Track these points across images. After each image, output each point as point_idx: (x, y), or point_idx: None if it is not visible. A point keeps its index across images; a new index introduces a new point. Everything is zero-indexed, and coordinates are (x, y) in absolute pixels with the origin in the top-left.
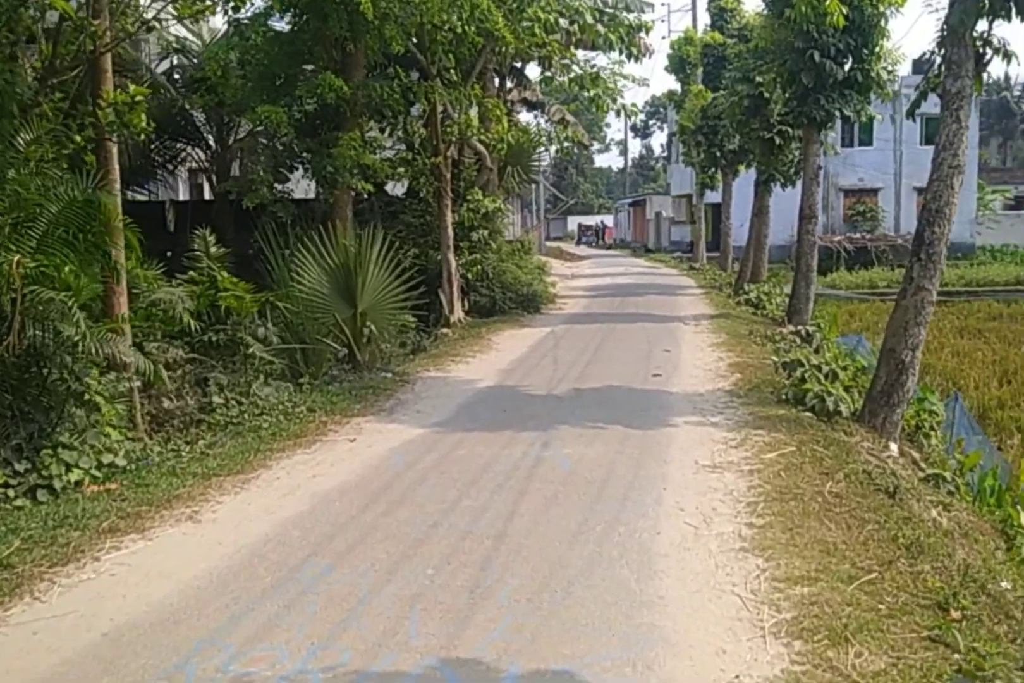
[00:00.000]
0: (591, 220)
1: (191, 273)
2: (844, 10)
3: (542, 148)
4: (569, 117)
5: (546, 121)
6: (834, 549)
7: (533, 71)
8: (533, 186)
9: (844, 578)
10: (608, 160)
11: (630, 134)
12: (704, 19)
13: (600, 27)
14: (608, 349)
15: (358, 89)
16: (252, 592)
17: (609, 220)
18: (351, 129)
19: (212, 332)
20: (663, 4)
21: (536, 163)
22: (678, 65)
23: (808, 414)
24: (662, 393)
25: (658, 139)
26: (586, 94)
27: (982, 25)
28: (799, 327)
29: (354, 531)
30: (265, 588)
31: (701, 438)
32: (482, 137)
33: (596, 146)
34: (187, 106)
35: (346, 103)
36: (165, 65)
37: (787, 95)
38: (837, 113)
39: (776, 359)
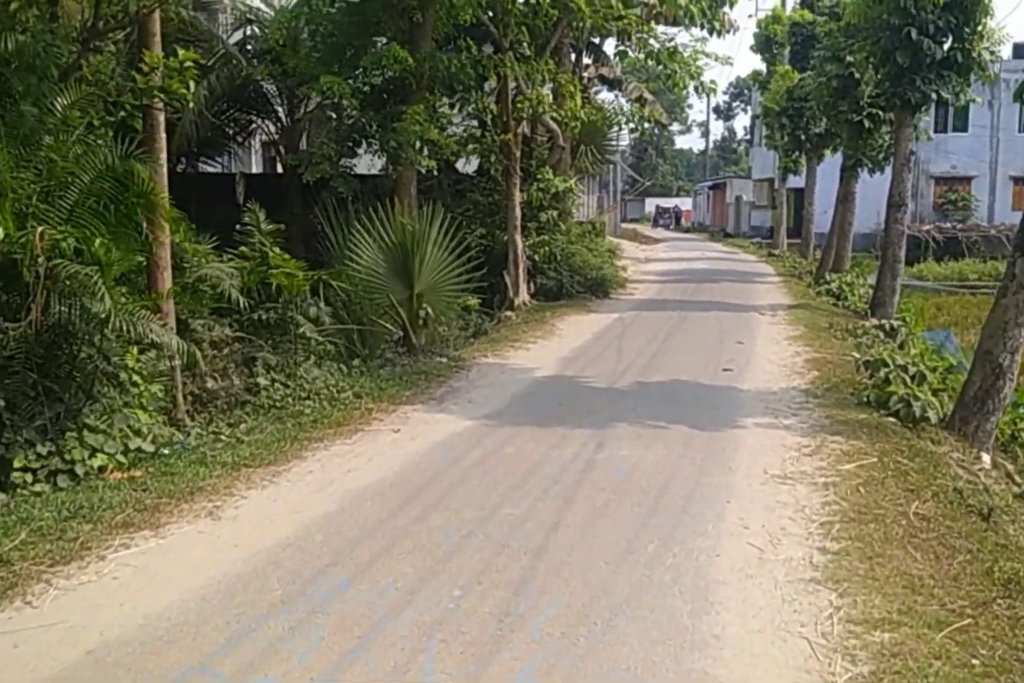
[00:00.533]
0: (669, 202)
1: (242, 248)
2: None
3: (618, 127)
4: (647, 95)
5: (624, 99)
6: (920, 585)
7: (611, 48)
8: (610, 167)
9: (932, 622)
10: (689, 142)
11: (712, 116)
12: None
13: None
14: (677, 339)
15: (425, 61)
16: (258, 607)
17: (688, 203)
18: (417, 103)
19: (262, 310)
20: None
21: (612, 143)
22: (764, 45)
23: (892, 420)
24: (732, 390)
25: (741, 122)
26: (662, 70)
27: None
28: (883, 321)
29: (381, 538)
30: (273, 603)
31: (772, 443)
32: (554, 114)
33: (677, 127)
34: (257, 77)
35: (412, 76)
36: (238, 36)
37: (879, 76)
38: (934, 95)
39: (857, 356)
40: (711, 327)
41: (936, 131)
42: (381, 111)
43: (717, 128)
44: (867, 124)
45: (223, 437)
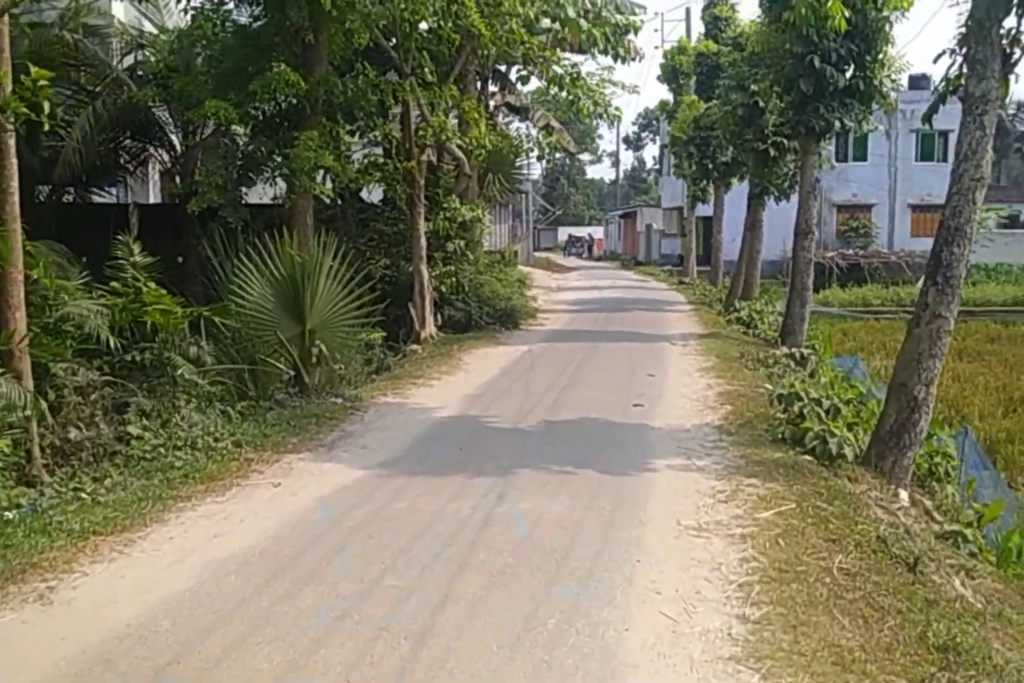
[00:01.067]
0: (581, 231)
1: (113, 284)
2: (847, 13)
3: (525, 155)
4: (554, 123)
5: (531, 127)
6: (851, 659)
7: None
8: (521, 196)
9: None
10: (600, 172)
11: (622, 146)
12: (698, 29)
13: (583, 22)
14: (587, 372)
15: (319, 85)
16: None
17: (600, 231)
18: (312, 129)
19: (136, 351)
20: (656, 14)
21: (520, 171)
22: (671, 75)
23: (808, 458)
24: (643, 428)
25: (650, 151)
26: (565, 96)
27: (1010, 21)
28: (793, 349)
29: (239, 624)
30: None
31: (685, 488)
32: (459, 142)
33: (588, 157)
34: (147, 103)
35: (307, 101)
36: (131, 61)
37: (784, 104)
38: (837, 123)
39: (770, 388)
40: (622, 359)
41: (838, 160)
42: (274, 137)
43: (627, 158)
44: (772, 152)
45: (84, 494)
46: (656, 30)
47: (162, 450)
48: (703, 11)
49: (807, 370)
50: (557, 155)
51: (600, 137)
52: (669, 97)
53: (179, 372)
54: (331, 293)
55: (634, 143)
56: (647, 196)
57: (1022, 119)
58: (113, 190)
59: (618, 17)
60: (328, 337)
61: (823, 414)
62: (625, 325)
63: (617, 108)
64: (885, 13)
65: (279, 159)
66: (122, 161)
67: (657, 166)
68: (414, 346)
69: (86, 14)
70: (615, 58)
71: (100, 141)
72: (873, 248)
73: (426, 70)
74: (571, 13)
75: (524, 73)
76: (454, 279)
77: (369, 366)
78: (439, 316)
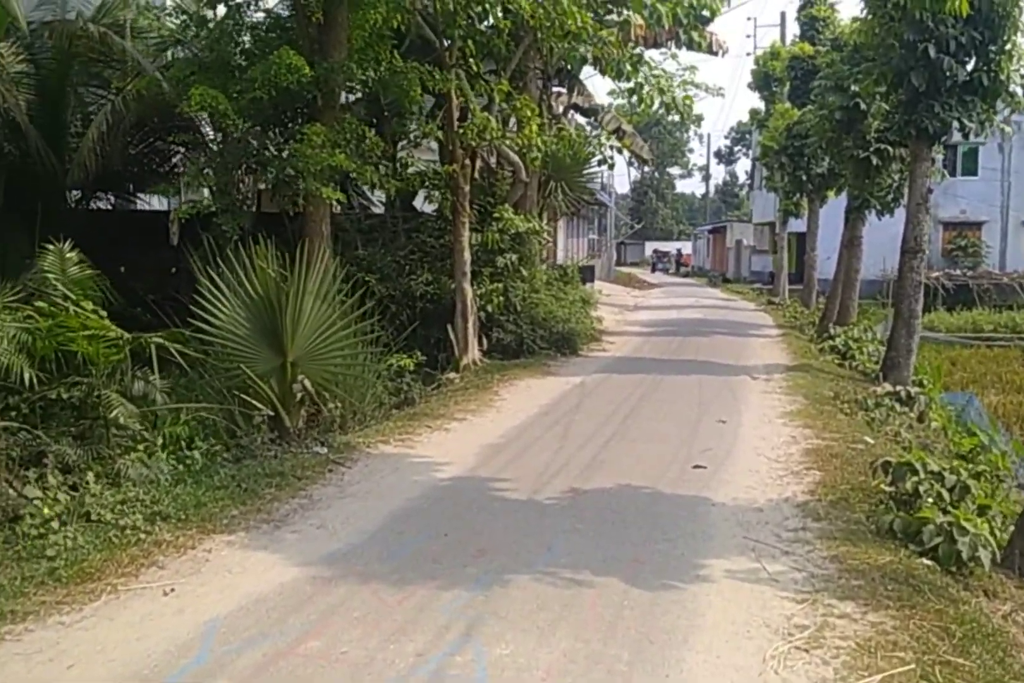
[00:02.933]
0: (668, 246)
1: (39, 303)
2: None
3: (589, 159)
4: (627, 127)
5: (599, 132)
6: None
7: (589, 78)
8: (603, 208)
9: None
10: (691, 186)
11: (713, 160)
12: (793, 31)
13: None
14: (644, 415)
15: (332, 72)
16: None
17: (688, 247)
18: (327, 123)
19: (63, 387)
20: (749, 19)
21: (585, 179)
22: (763, 81)
23: (926, 562)
24: (702, 504)
25: (742, 166)
26: (626, 85)
27: None
28: (898, 387)
29: None
30: None
31: (747, 618)
32: (508, 143)
33: (678, 171)
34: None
35: (317, 90)
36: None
37: (890, 104)
38: (955, 123)
39: (870, 441)
40: (689, 397)
41: (941, 177)
42: (282, 133)
43: (719, 173)
44: (875, 161)
45: None
46: (748, 36)
47: (54, 524)
48: (799, 12)
49: (914, 412)
50: (637, 165)
51: (691, 151)
52: (761, 106)
53: (113, 414)
54: (320, 318)
55: (726, 157)
56: (739, 211)
57: None
58: (155, 197)
59: None
60: (314, 371)
61: (946, 494)
62: (701, 353)
63: (688, 97)
64: None
65: (280, 157)
66: (153, 165)
67: (749, 180)
68: (451, 374)
69: (121, 8)
70: (689, 45)
71: (126, 143)
72: (983, 268)
73: (471, 61)
74: None
75: (580, 53)
76: (501, 298)
77: (395, 397)
78: (485, 339)
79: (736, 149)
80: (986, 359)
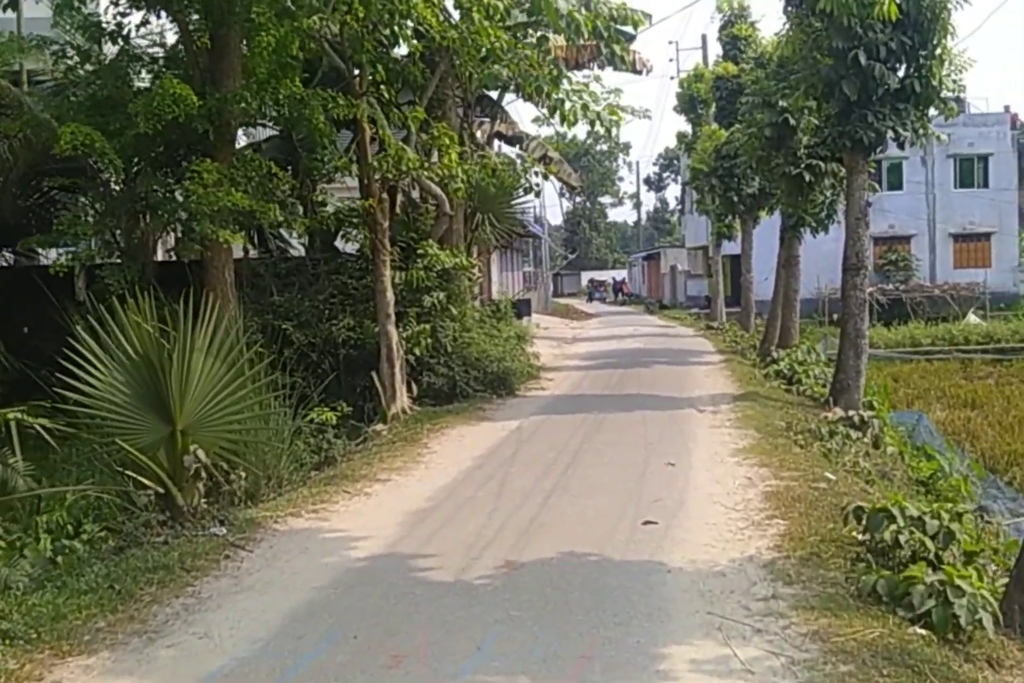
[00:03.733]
0: (604, 275)
1: None
2: None
3: (520, 190)
4: (553, 154)
5: (524, 159)
6: None
7: (512, 106)
8: (535, 240)
9: None
10: (623, 215)
11: (643, 187)
12: (716, 52)
13: (562, 3)
14: (586, 461)
15: (224, 102)
16: None
17: (623, 274)
18: (223, 160)
19: None
20: (670, 42)
21: (514, 209)
22: (688, 104)
23: (920, 631)
24: (654, 571)
25: (673, 192)
26: (548, 102)
27: None
28: (850, 412)
29: None
30: None
31: None
32: (428, 174)
33: (609, 200)
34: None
35: (209, 123)
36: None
37: (820, 118)
38: (890, 132)
39: (832, 477)
40: (634, 437)
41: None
42: (172, 172)
43: (650, 199)
44: (807, 177)
45: None
46: (671, 59)
47: None
48: (720, 32)
49: (868, 437)
50: (568, 195)
51: (621, 179)
52: (687, 128)
53: None
54: (213, 378)
55: (655, 184)
56: (671, 237)
57: None
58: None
59: (610, 6)
60: (209, 438)
61: (929, 543)
62: (643, 385)
63: (613, 111)
64: None
65: (179, 199)
66: (51, 216)
67: (679, 205)
68: (378, 426)
69: (15, 50)
70: (612, 61)
71: (17, 193)
72: (915, 282)
73: (382, 89)
74: None
75: (497, 74)
76: (428, 340)
77: (317, 456)
78: (414, 385)
79: (665, 175)
80: (927, 373)
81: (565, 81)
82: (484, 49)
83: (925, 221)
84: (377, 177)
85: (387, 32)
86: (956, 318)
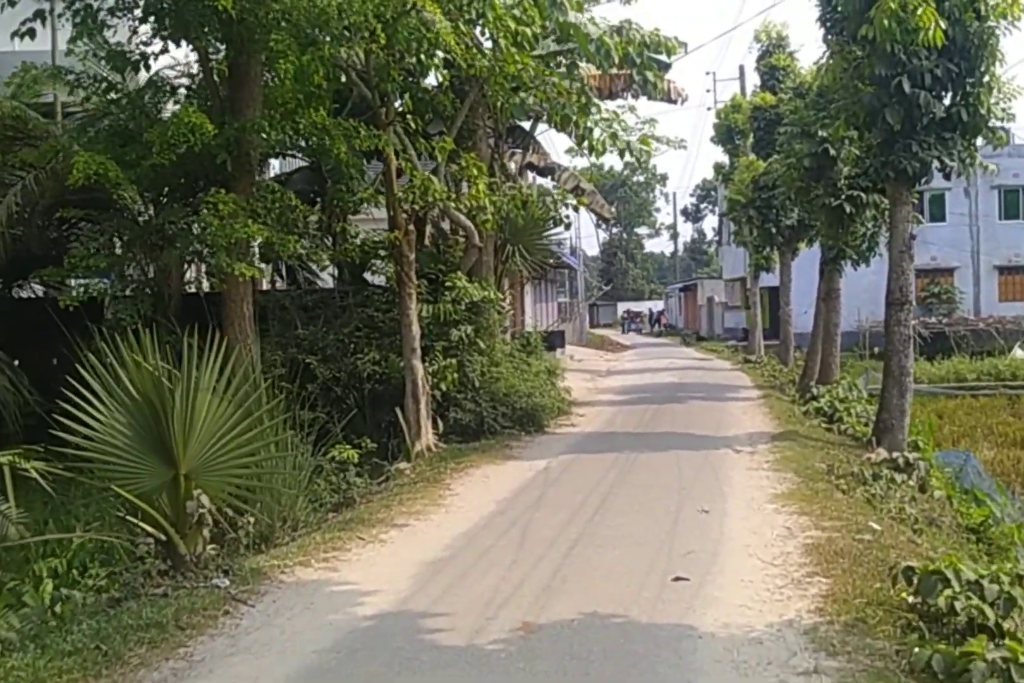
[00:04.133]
0: (641, 306)
1: None
2: (942, 24)
3: (552, 223)
4: (585, 185)
5: (555, 190)
6: None
7: (545, 136)
8: (571, 271)
9: None
10: (660, 245)
11: (680, 218)
12: (754, 82)
13: (592, 28)
14: (615, 507)
15: (242, 131)
16: None
17: (660, 305)
18: (242, 191)
19: None
20: (708, 73)
21: (546, 241)
22: (725, 135)
23: None
24: (684, 636)
25: (710, 223)
26: (576, 131)
27: None
28: (894, 453)
29: None
30: None
31: None
32: (455, 205)
33: (646, 231)
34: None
35: (227, 153)
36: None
37: (861, 148)
38: (936, 162)
39: (877, 528)
40: (667, 480)
41: None
42: (188, 203)
43: (687, 230)
44: (848, 209)
45: None
46: (708, 90)
47: None
48: (758, 62)
49: (913, 480)
50: (604, 227)
51: (657, 210)
52: (725, 159)
53: None
54: (221, 419)
55: (693, 215)
56: (708, 268)
57: None
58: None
59: (643, 33)
60: (215, 482)
61: (988, 610)
62: (677, 423)
63: (644, 140)
64: (991, 21)
65: (195, 231)
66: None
67: (717, 236)
68: (402, 464)
69: (43, 83)
70: (645, 89)
71: (43, 225)
72: (958, 315)
73: (409, 118)
74: (572, 17)
75: (525, 102)
76: (454, 375)
77: (337, 496)
78: (440, 421)
79: (703, 206)
80: (973, 410)
81: (594, 109)
82: (511, 77)
83: (969, 253)
84: (404, 208)
85: (414, 61)
86: (1002, 352)
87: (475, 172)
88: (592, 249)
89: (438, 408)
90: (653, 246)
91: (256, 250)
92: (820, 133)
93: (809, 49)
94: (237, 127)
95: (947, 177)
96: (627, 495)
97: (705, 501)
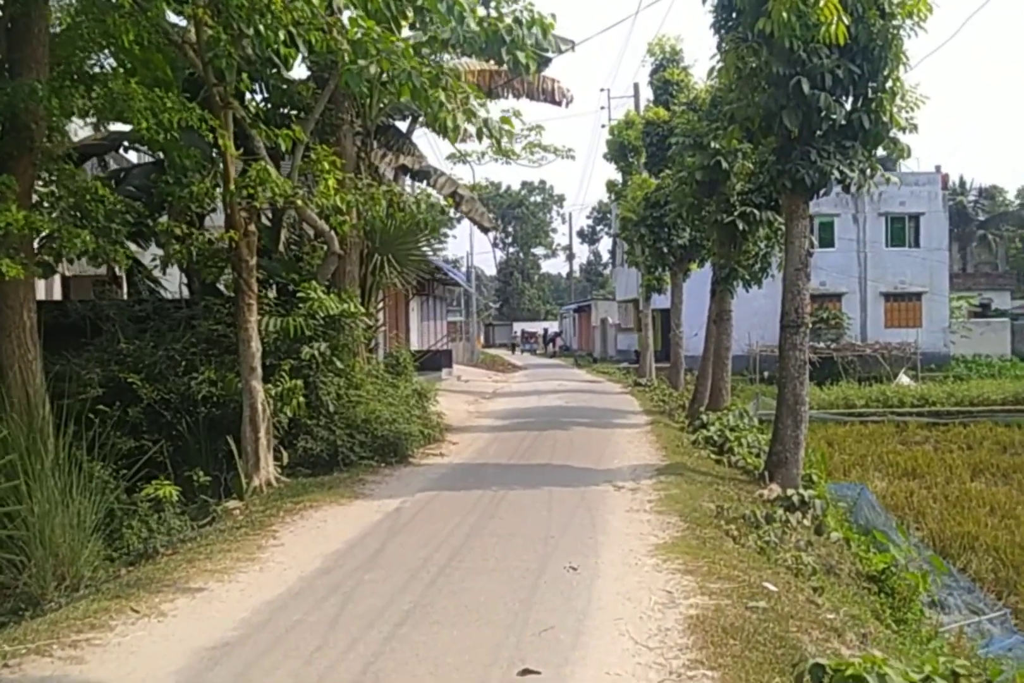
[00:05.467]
0: (536, 326)
1: None
2: (845, 19)
3: (424, 228)
4: (464, 191)
5: (421, 192)
6: None
7: (427, 145)
8: (459, 289)
9: None
10: (556, 266)
11: (577, 240)
12: (647, 98)
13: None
14: (466, 564)
15: (15, 98)
16: None
17: (555, 326)
18: (22, 172)
19: None
20: (602, 90)
21: (421, 253)
22: (618, 152)
23: None
24: None
25: (605, 245)
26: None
27: None
28: (788, 491)
29: None
30: None
31: None
32: (302, 202)
33: (542, 252)
34: None
35: None
36: None
37: (756, 160)
38: (836, 173)
39: (772, 588)
40: (534, 526)
41: None
42: None
43: (583, 252)
44: (740, 226)
45: None
46: (603, 107)
47: None
48: (651, 76)
49: (807, 519)
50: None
51: (554, 231)
52: (619, 178)
53: None
54: None
55: (589, 237)
56: (604, 290)
57: (983, 206)
58: None
59: (515, 7)
60: None
61: None
62: (557, 452)
63: (505, 118)
64: (897, 21)
65: None
66: None
67: (611, 257)
68: (231, 503)
69: None
70: (515, 69)
71: None
72: (846, 340)
73: (254, 105)
74: None
75: (364, 68)
76: (302, 398)
77: (144, 545)
78: (283, 452)
79: (599, 228)
80: (863, 437)
81: (445, 80)
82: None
83: (856, 279)
84: (242, 205)
85: (250, 31)
86: (887, 378)
87: (326, 166)
88: (489, 269)
89: (285, 436)
90: (550, 267)
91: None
92: (713, 145)
93: (703, 64)
94: (8, 92)
95: (847, 189)
96: (483, 548)
97: (575, 554)
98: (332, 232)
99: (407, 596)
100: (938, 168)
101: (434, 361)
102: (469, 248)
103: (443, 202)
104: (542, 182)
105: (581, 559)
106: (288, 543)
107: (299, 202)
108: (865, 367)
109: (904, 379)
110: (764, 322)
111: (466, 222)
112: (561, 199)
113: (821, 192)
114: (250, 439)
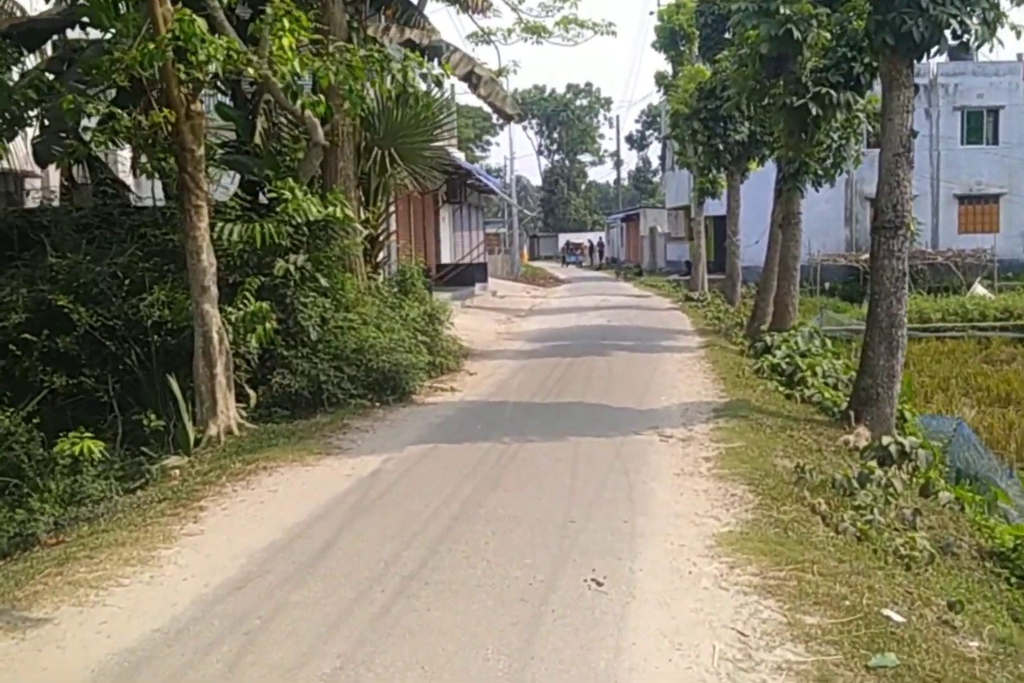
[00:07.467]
0: (581, 237)
1: None
2: None
3: (432, 120)
4: (482, 71)
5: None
6: None
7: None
8: (500, 198)
9: None
10: (603, 174)
11: (625, 146)
12: None
13: None
14: (440, 578)
15: None
16: None
17: (600, 236)
18: None
19: None
20: None
21: (427, 147)
22: (668, 40)
23: None
24: None
25: (655, 151)
26: None
27: None
28: (886, 439)
29: None
30: None
31: None
32: (249, 69)
33: (589, 159)
34: None
35: None
36: None
37: (835, 29)
38: (954, 24)
39: (897, 621)
40: (550, 503)
41: (867, 145)
42: None
43: (632, 158)
44: (813, 110)
45: None
46: None
47: None
48: None
49: (908, 472)
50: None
51: (601, 136)
52: (669, 69)
53: None
54: None
55: (638, 142)
56: (653, 199)
57: None
58: None
59: None
60: None
61: None
62: (592, 386)
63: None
64: None
65: None
66: None
67: (661, 161)
68: (172, 460)
69: None
70: None
71: None
72: (916, 247)
73: None
74: None
75: None
76: (269, 325)
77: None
78: (250, 391)
79: (648, 133)
80: (941, 355)
81: None
82: None
83: (928, 181)
84: (179, 76)
85: None
86: (961, 288)
87: (286, 24)
88: (535, 178)
89: (257, 371)
90: (597, 175)
91: None
92: (782, 10)
93: None
94: None
95: (964, 48)
96: (471, 545)
97: (603, 553)
98: (313, 118)
99: (337, 641)
100: (1020, 56)
101: (466, 275)
102: (509, 153)
103: (436, 69)
104: (588, 84)
105: (610, 563)
106: (210, 529)
107: (251, 70)
108: (936, 276)
109: (980, 289)
110: (826, 228)
111: (507, 129)
112: (608, 102)
113: (933, 50)
114: (204, 376)
